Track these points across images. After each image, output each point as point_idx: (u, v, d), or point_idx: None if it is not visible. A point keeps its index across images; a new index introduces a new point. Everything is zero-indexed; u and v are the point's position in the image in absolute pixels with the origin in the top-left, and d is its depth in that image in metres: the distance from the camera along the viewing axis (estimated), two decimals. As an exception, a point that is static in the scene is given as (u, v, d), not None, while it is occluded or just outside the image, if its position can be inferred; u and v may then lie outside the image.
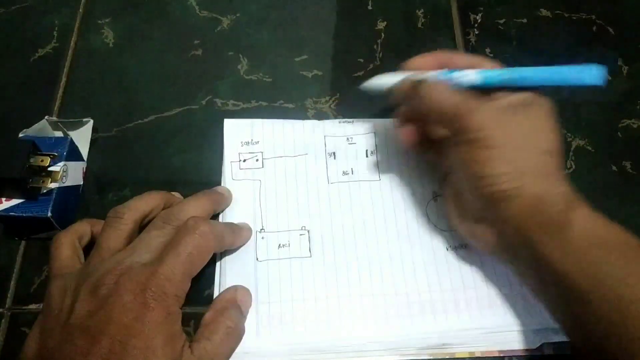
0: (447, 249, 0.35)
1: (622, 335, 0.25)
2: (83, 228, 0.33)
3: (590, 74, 0.30)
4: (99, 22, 0.45)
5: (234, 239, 0.34)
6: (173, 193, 0.36)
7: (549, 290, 0.29)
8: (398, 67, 0.34)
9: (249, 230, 0.35)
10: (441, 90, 0.31)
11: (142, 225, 0.32)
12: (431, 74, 0.33)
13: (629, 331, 0.25)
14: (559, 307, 0.29)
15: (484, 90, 0.32)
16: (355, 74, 0.43)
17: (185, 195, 0.36)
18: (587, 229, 0.27)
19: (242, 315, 0.32)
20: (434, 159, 0.36)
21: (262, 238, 0.35)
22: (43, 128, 0.37)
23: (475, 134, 0.29)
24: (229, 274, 0.34)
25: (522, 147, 0.29)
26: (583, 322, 0.27)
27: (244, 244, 0.35)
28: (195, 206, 0.33)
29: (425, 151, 0.36)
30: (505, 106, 0.30)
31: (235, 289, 0.33)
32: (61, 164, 0.34)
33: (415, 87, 0.32)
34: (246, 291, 0.33)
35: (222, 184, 0.37)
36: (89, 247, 0.31)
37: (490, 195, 0.29)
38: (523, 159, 0.29)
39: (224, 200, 0.36)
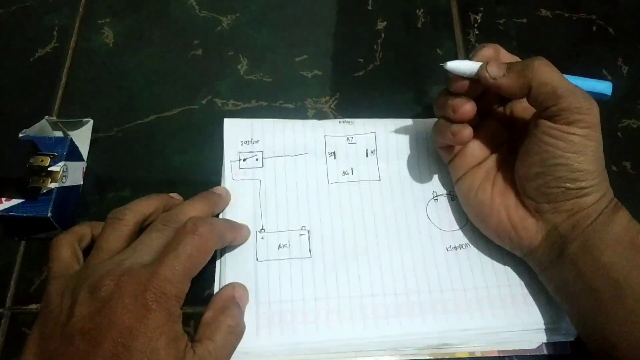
0: (447, 249, 0.35)
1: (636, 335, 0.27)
2: (83, 230, 0.32)
3: (605, 88, 0.33)
4: (99, 22, 0.45)
5: (234, 235, 0.34)
6: (172, 194, 0.36)
7: (571, 289, 0.30)
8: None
9: (248, 228, 0.35)
10: (553, 68, 0.31)
11: (142, 228, 0.32)
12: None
13: None
14: (578, 307, 0.30)
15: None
16: (355, 74, 0.43)
17: (184, 196, 0.36)
18: (626, 228, 0.29)
19: (242, 312, 0.32)
20: (458, 160, 0.36)
21: (262, 238, 0.35)
22: (43, 128, 0.37)
23: (581, 116, 0.29)
24: (229, 274, 0.34)
25: (602, 155, 0.30)
26: (600, 324, 0.29)
27: (244, 241, 0.35)
28: (194, 208, 0.33)
29: (450, 152, 0.36)
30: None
31: (232, 286, 0.33)
32: (61, 164, 0.34)
33: (523, 65, 0.32)
34: (243, 287, 0.33)
35: (222, 184, 0.37)
36: (89, 250, 0.31)
37: (576, 188, 0.30)
38: (601, 159, 0.30)
39: (223, 201, 0.36)
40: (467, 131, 0.33)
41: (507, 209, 0.32)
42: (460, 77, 0.33)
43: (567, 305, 0.31)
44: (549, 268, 0.31)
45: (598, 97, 0.31)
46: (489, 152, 0.35)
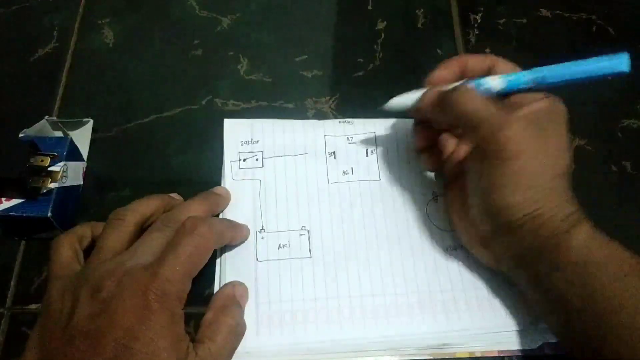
0: (447, 249, 0.35)
1: (613, 352, 0.26)
2: (83, 230, 0.32)
3: (620, 62, 0.30)
4: (99, 22, 0.45)
5: (233, 234, 0.34)
6: (172, 195, 0.36)
7: (546, 306, 0.29)
8: (421, 83, 0.34)
9: (247, 228, 0.35)
10: (472, 97, 0.30)
11: (143, 228, 0.32)
12: (456, 85, 0.32)
13: (620, 348, 0.25)
14: (557, 323, 0.29)
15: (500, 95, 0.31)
16: (355, 74, 0.43)
17: (184, 196, 0.36)
18: (585, 250, 0.27)
19: (242, 311, 0.32)
20: (442, 173, 0.35)
21: (262, 238, 0.35)
22: (43, 128, 0.37)
23: (502, 147, 0.28)
24: (229, 274, 0.34)
25: (541, 171, 0.28)
26: (577, 338, 0.28)
27: (244, 241, 0.35)
28: (195, 208, 0.33)
29: (436, 169, 0.36)
30: (531, 118, 0.29)
31: (232, 285, 0.33)
32: (61, 164, 0.34)
33: (445, 96, 0.31)
34: (243, 286, 0.33)
35: (222, 184, 0.37)
36: (89, 250, 0.31)
37: (504, 222, 0.29)
38: (540, 184, 0.28)
39: (223, 201, 0.36)
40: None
41: (467, 230, 0.33)
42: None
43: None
44: (519, 283, 0.31)
45: (615, 76, 0.30)
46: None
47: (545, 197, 0.28)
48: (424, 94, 0.33)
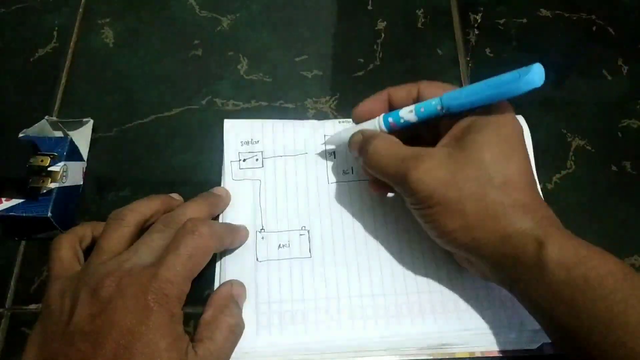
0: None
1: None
2: (84, 230, 0.32)
3: (529, 78, 0.27)
4: (99, 22, 0.45)
5: (232, 238, 0.34)
6: (172, 195, 0.36)
7: (538, 319, 0.29)
8: (377, 91, 0.34)
9: (247, 230, 0.35)
10: (382, 152, 0.30)
11: (143, 228, 0.32)
12: (372, 123, 0.32)
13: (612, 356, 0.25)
14: (549, 332, 0.29)
15: (439, 120, 0.31)
16: (355, 74, 0.43)
17: (184, 196, 0.36)
18: (562, 267, 0.26)
19: (241, 310, 0.32)
20: None
21: (262, 238, 0.35)
22: (43, 128, 0.37)
23: (417, 196, 0.28)
24: (229, 274, 0.34)
25: (468, 194, 0.27)
26: (572, 350, 0.27)
27: (242, 244, 0.35)
28: (195, 209, 0.33)
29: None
30: (445, 149, 0.29)
31: (230, 283, 0.33)
32: (61, 164, 0.34)
33: (361, 148, 0.32)
34: (241, 285, 0.33)
35: (222, 184, 0.37)
36: (89, 250, 0.31)
37: (456, 246, 0.29)
38: (472, 207, 0.27)
39: (223, 201, 0.36)
40: (373, 186, 0.34)
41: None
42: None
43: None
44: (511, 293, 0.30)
45: (530, 91, 0.27)
46: None
47: (488, 215, 0.27)
48: (350, 138, 0.33)
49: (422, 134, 0.33)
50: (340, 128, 0.39)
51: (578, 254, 0.26)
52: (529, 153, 0.38)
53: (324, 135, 0.39)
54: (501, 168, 0.27)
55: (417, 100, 0.32)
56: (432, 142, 0.30)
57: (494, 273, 0.29)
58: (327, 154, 0.38)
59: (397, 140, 0.31)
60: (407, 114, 0.31)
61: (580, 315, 0.25)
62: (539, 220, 0.27)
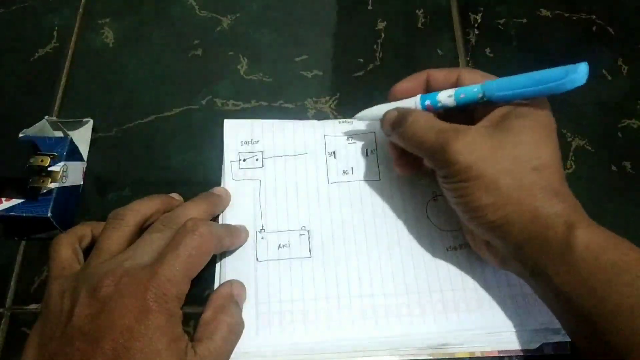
0: (447, 249, 0.35)
1: (626, 354, 0.25)
2: (83, 230, 0.32)
3: (574, 78, 0.27)
4: (99, 22, 0.45)
5: (232, 240, 0.34)
6: (172, 195, 0.36)
7: (556, 306, 0.29)
8: (386, 94, 0.34)
9: (246, 231, 0.35)
10: (421, 124, 0.30)
11: (143, 228, 0.32)
12: (409, 102, 0.33)
13: (633, 351, 0.25)
14: (567, 321, 0.29)
15: (475, 107, 0.31)
16: (355, 74, 0.43)
17: (184, 196, 0.36)
18: (589, 251, 0.26)
19: (241, 310, 0.32)
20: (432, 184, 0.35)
21: (262, 238, 0.35)
22: (43, 128, 0.37)
23: (453, 168, 0.28)
24: (229, 274, 0.34)
25: (505, 171, 0.27)
26: (589, 338, 0.27)
27: (241, 245, 0.35)
28: (195, 209, 0.33)
29: (423, 177, 0.36)
30: (484, 128, 0.29)
31: (230, 283, 0.33)
32: (61, 164, 0.34)
33: (398, 122, 0.32)
34: (241, 285, 0.33)
35: (222, 184, 0.37)
36: (89, 250, 0.31)
37: (483, 224, 0.29)
38: (508, 184, 0.27)
39: (223, 201, 0.36)
40: (399, 164, 0.34)
41: (467, 231, 0.33)
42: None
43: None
44: (529, 282, 0.30)
45: (573, 88, 0.28)
46: None
47: (518, 197, 0.27)
48: (385, 114, 0.33)
49: (455, 119, 0.33)
50: (340, 128, 0.39)
51: (605, 241, 0.26)
52: None
53: (324, 136, 0.39)
54: (537, 153, 0.28)
55: (455, 85, 0.32)
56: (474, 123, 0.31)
57: (516, 256, 0.29)
58: (327, 154, 0.38)
59: (434, 116, 0.31)
60: (446, 98, 0.31)
61: (605, 299, 0.25)
62: (569, 206, 0.27)
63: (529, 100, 0.30)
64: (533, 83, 0.29)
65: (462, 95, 0.31)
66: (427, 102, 0.32)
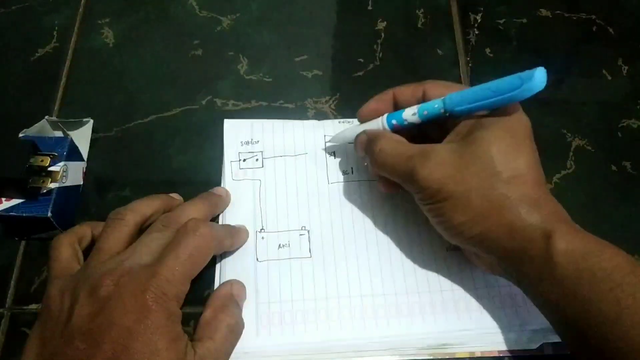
0: (447, 250, 0.35)
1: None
2: (83, 230, 0.32)
3: (531, 85, 0.27)
4: (99, 22, 0.45)
5: (232, 241, 0.34)
6: (172, 195, 0.36)
7: (545, 312, 0.29)
8: (377, 91, 0.34)
9: (247, 232, 0.35)
10: (388, 152, 0.30)
11: (143, 228, 0.32)
12: (376, 123, 0.33)
13: (621, 357, 0.25)
14: (557, 328, 0.29)
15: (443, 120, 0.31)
16: (355, 74, 0.43)
17: (185, 196, 0.36)
18: (570, 260, 0.26)
19: (241, 310, 0.32)
20: None
21: (262, 238, 0.35)
22: (43, 128, 0.37)
23: (425, 192, 0.29)
24: (229, 274, 0.34)
25: (475, 188, 0.27)
26: (579, 344, 0.27)
27: (241, 246, 0.35)
28: (195, 209, 0.33)
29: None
30: (450, 145, 0.29)
31: (230, 283, 0.33)
32: (61, 164, 0.34)
33: (368, 147, 0.32)
34: (241, 284, 0.33)
35: (222, 184, 0.37)
36: (89, 250, 0.31)
37: (463, 240, 0.29)
38: (479, 200, 0.27)
39: (223, 201, 0.36)
40: (382, 184, 0.33)
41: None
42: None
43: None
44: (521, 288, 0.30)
45: (531, 96, 0.27)
46: None
47: (494, 210, 0.27)
48: (356, 138, 0.34)
49: (429, 131, 0.33)
50: (340, 128, 0.39)
51: (586, 248, 0.26)
52: None
53: (324, 136, 0.39)
54: (508, 163, 0.28)
55: (422, 100, 0.32)
56: (439, 138, 0.31)
57: (501, 267, 0.29)
58: (327, 154, 0.38)
59: (402, 139, 0.31)
60: (410, 116, 0.31)
61: (587, 308, 0.25)
62: (546, 215, 0.27)
63: (494, 109, 0.29)
64: (490, 94, 0.28)
65: (425, 112, 0.31)
66: (394, 122, 0.32)
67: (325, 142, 0.38)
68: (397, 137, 0.32)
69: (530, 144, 0.29)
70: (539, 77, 0.26)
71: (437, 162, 0.28)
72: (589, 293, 0.25)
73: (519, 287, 0.29)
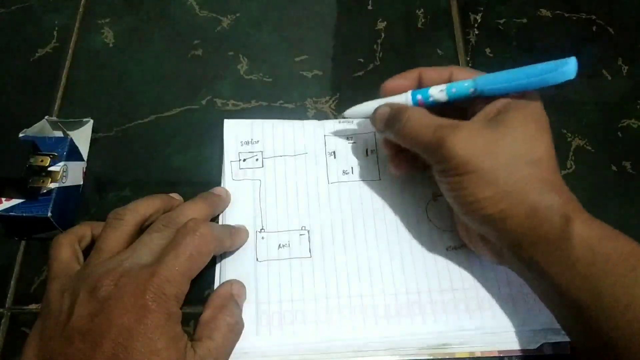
0: (447, 249, 0.35)
1: (622, 347, 0.25)
2: (83, 230, 0.32)
3: (565, 70, 0.28)
4: (99, 22, 0.45)
5: (232, 241, 0.34)
6: (172, 195, 0.36)
7: (552, 300, 0.29)
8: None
9: (247, 232, 0.35)
10: (417, 121, 0.30)
11: (143, 228, 0.32)
12: (400, 98, 0.33)
13: (629, 344, 0.25)
14: (563, 316, 0.29)
15: (468, 102, 0.31)
16: (355, 74, 0.43)
17: (184, 196, 0.36)
18: (586, 243, 0.26)
19: (240, 310, 0.32)
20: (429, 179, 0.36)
21: (262, 238, 0.35)
22: (43, 128, 0.37)
23: (451, 163, 0.28)
24: (229, 274, 0.34)
25: (502, 165, 0.28)
26: (585, 333, 0.27)
27: (241, 246, 0.35)
28: (195, 209, 0.33)
29: (420, 171, 0.36)
30: (480, 122, 0.29)
31: (230, 283, 0.33)
32: (61, 164, 0.34)
33: (392, 119, 0.32)
34: (241, 284, 0.33)
35: (222, 184, 0.37)
36: (89, 250, 0.31)
37: (480, 218, 0.29)
38: (505, 177, 0.27)
39: (223, 202, 0.36)
40: (394, 163, 0.34)
41: (462, 228, 0.33)
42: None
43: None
44: (524, 276, 0.30)
45: (563, 82, 0.28)
46: None
47: (518, 189, 0.27)
48: (376, 110, 0.33)
49: (446, 115, 0.32)
50: (340, 127, 0.39)
51: (602, 233, 0.27)
52: None
53: (324, 136, 0.39)
54: (533, 146, 0.28)
55: (448, 82, 0.32)
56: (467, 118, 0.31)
57: (512, 250, 0.29)
58: (327, 154, 0.38)
59: (428, 113, 0.31)
60: (438, 92, 0.31)
61: (600, 292, 0.25)
62: (566, 200, 0.28)
63: (521, 94, 0.30)
64: (524, 76, 0.29)
65: (453, 90, 0.31)
66: (419, 97, 0.32)
67: (341, 117, 0.37)
68: (424, 110, 0.31)
69: (550, 133, 0.29)
70: (572, 64, 0.28)
71: (468, 135, 0.28)
72: (603, 277, 0.25)
73: (524, 276, 0.30)
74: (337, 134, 0.39)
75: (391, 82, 0.34)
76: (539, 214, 0.27)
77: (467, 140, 0.28)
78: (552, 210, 0.27)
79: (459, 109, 0.32)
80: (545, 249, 0.27)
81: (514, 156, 0.28)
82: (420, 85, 0.33)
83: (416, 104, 0.32)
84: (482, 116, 0.30)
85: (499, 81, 0.30)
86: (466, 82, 0.31)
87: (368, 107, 0.34)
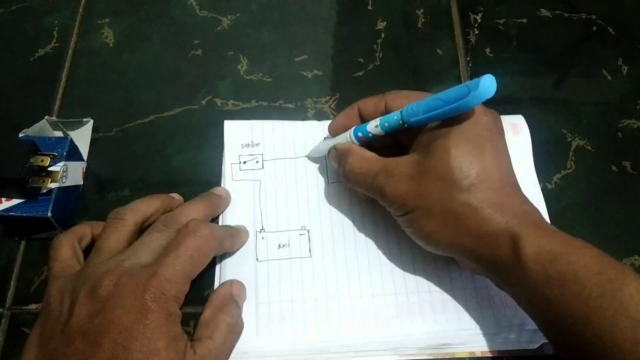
0: (447, 249, 0.35)
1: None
2: (83, 230, 0.32)
3: (478, 93, 0.26)
4: (99, 22, 0.45)
5: (232, 242, 0.34)
6: (173, 195, 0.36)
7: (525, 312, 0.29)
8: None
9: (247, 233, 0.35)
10: (355, 167, 0.31)
11: (143, 228, 0.32)
12: (344, 137, 0.34)
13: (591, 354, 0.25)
14: (538, 326, 0.29)
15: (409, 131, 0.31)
16: (355, 74, 0.43)
17: (185, 196, 0.36)
18: (538, 266, 0.26)
19: (240, 310, 0.32)
20: None
21: (262, 238, 0.35)
22: (43, 128, 0.37)
23: (394, 205, 0.30)
24: (229, 274, 0.34)
25: (435, 200, 0.28)
26: (557, 344, 0.27)
27: (241, 247, 0.35)
28: (195, 209, 0.33)
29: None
30: (411, 158, 0.30)
31: (230, 283, 0.33)
32: (61, 164, 0.34)
33: (339, 162, 0.33)
34: (241, 284, 0.33)
35: (222, 184, 0.37)
36: (89, 250, 0.31)
37: (437, 249, 0.30)
38: (440, 211, 0.28)
39: (223, 202, 0.36)
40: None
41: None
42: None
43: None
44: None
45: (482, 102, 0.26)
46: None
47: (457, 220, 0.27)
48: (328, 153, 0.35)
49: (401, 137, 0.33)
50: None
51: (554, 250, 0.26)
52: (528, 152, 0.38)
53: (324, 137, 0.39)
54: (468, 170, 0.27)
55: (384, 112, 0.32)
56: (410, 143, 0.31)
57: (480, 272, 0.30)
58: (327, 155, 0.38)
59: (368, 154, 0.32)
60: (374, 128, 0.32)
61: (558, 310, 0.25)
62: (511, 218, 0.27)
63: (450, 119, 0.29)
64: (441, 104, 0.28)
65: (386, 124, 0.31)
66: (360, 135, 0.33)
67: (306, 156, 0.38)
68: (363, 152, 0.32)
69: (493, 146, 0.28)
70: (485, 85, 0.26)
71: (399, 178, 0.29)
72: (559, 296, 0.25)
73: (500, 287, 0.30)
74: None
75: (335, 122, 0.35)
76: (486, 240, 0.27)
77: (399, 184, 0.29)
78: (496, 234, 0.27)
79: (407, 132, 0.31)
80: (503, 273, 0.28)
81: (446, 186, 0.28)
82: (362, 118, 0.34)
83: (359, 141, 0.33)
84: (415, 148, 0.30)
85: (421, 111, 0.29)
86: (395, 114, 0.31)
87: (324, 147, 0.36)
